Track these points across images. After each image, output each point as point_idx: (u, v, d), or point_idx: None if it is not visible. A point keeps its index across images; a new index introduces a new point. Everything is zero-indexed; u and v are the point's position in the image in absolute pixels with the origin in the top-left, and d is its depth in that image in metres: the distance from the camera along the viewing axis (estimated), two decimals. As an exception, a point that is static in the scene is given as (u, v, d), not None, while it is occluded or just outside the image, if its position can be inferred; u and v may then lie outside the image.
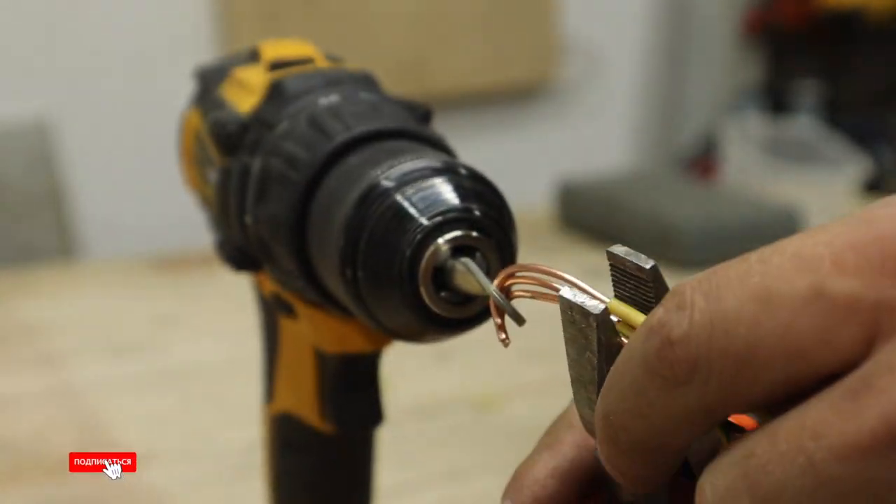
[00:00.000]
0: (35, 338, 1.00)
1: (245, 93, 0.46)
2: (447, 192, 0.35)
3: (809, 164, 1.33)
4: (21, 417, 0.84)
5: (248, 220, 0.42)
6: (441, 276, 0.34)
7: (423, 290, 0.34)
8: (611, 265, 0.29)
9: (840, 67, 2.16)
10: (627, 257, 0.29)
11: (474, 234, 0.34)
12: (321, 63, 0.46)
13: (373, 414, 0.46)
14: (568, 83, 2.01)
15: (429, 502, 0.70)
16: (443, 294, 0.34)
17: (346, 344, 0.44)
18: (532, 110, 2.02)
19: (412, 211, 0.34)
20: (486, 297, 0.34)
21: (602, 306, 0.29)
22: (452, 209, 0.34)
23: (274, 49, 0.48)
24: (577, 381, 0.30)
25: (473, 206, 0.35)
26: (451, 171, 0.35)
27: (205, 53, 1.63)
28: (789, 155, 1.34)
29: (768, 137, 1.39)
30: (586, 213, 1.27)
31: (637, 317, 0.28)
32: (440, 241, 0.34)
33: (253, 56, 0.49)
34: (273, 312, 0.48)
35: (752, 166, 1.31)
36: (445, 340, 0.37)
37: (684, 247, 1.12)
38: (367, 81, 0.44)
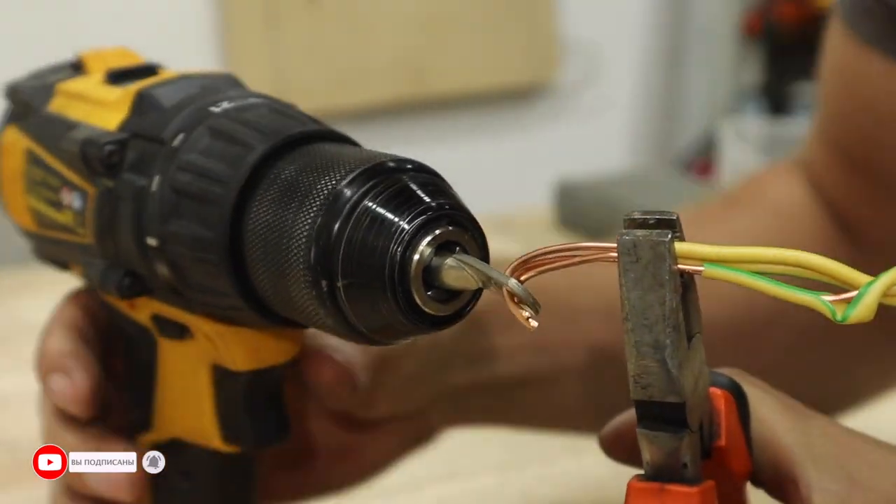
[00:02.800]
0: (36, 337, 1.00)
1: (96, 108, 0.43)
2: (413, 191, 0.34)
3: (808, 164, 1.33)
4: (22, 417, 0.84)
5: (153, 241, 0.39)
6: (427, 275, 0.34)
7: (414, 293, 0.33)
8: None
9: (839, 68, 2.16)
10: (647, 215, 0.31)
11: (451, 228, 0.34)
12: (164, 72, 0.44)
13: (281, 427, 0.44)
14: (567, 84, 2.02)
15: (428, 502, 0.70)
16: (430, 293, 0.34)
17: (261, 358, 0.42)
18: (532, 111, 2.02)
19: (389, 215, 0.33)
20: (477, 291, 0.34)
21: (668, 233, 0.30)
22: (427, 208, 0.34)
23: (100, 59, 0.46)
24: (638, 329, 0.31)
25: (441, 201, 0.34)
26: (404, 169, 0.35)
27: (205, 54, 1.64)
28: (787, 155, 1.34)
29: (766, 138, 1.39)
30: (585, 213, 1.27)
31: (697, 248, 0.30)
32: (425, 241, 0.33)
33: (76, 68, 0.47)
34: (148, 337, 0.45)
35: (750, 167, 1.31)
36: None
37: (683, 247, 1.11)
38: (237, 83, 0.42)
